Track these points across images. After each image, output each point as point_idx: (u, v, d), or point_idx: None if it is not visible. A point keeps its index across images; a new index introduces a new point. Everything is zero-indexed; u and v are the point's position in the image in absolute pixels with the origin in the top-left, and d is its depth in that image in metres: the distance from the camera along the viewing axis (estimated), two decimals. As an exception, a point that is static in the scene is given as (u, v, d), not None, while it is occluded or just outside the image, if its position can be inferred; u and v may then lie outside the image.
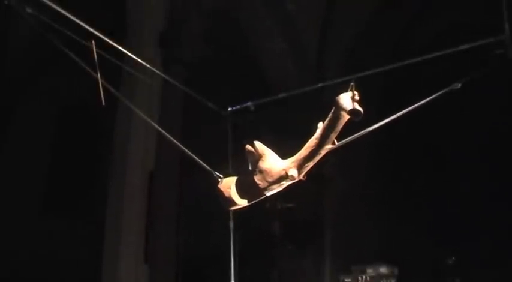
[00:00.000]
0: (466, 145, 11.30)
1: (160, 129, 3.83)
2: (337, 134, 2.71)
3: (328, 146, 2.75)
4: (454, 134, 11.29)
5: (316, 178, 9.79)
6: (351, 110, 2.53)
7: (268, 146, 2.98)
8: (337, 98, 2.59)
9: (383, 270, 8.11)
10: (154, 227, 8.43)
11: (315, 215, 10.54)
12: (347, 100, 2.55)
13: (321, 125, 2.71)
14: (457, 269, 8.43)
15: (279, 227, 9.56)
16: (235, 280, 4.13)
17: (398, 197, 11.03)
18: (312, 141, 2.75)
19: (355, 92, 2.55)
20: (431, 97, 3.02)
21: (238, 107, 3.90)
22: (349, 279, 8.26)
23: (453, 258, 8.53)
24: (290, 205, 8.96)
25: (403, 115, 3.01)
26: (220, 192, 3.08)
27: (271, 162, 2.87)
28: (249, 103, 3.85)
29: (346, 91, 2.58)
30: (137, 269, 8.28)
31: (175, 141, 3.57)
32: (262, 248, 9.77)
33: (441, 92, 3.02)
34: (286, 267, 10.06)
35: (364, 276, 8.09)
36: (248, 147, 2.91)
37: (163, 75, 5.45)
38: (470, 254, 9.30)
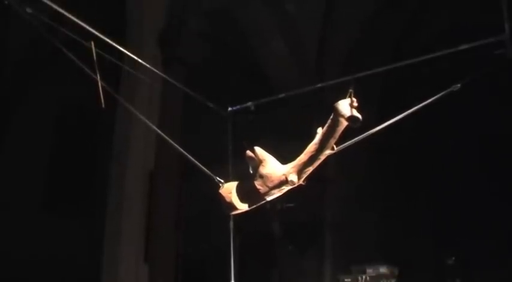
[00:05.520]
0: (466, 145, 11.29)
1: (164, 135, 3.83)
2: (336, 139, 2.74)
3: (327, 152, 2.78)
4: (454, 134, 11.28)
5: (317, 179, 9.77)
6: (349, 116, 2.57)
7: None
8: (335, 104, 2.61)
9: (383, 270, 8.09)
10: (154, 226, 8.42)
11: (315, 215, 10.53)
12: (346, 107, 2.58)
13: (320, 131, 2.73)
14: (457, 269, 8.42)
15: (279, 227, 9.56)
16: (235, 280, 4.13)
17: (399, 197, 11.02)
18: (311, 147, 2.78)
19: (354, 99, 2.56)
20: (430, 99, 3.02)
21: (238, 107, 3.90)
22: (349, 279, 8.24)
23: (453, 258, 8.52)
24: (290, 205, 8.96)
25: (403, 116, 3.01)
26: (221, 197, 3.10)
27: (272, 167, 2.91)
28: (249, 103, 3.85)
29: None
30: (137, 269, 8.27)
31: (178, 147, 3.58)
32: (262, 248, 9.77)
33: (441, 94, 3.02)
34: (286, 267, 10.06)
35: (364, 276, 8.07)
36: (248, 152, 2.93)
37: (163, 75, 5.44)
38: (470, 254, 9.30)
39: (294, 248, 10.18)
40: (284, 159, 2.96)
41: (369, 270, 8.12)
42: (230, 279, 4.11)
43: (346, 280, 8.29)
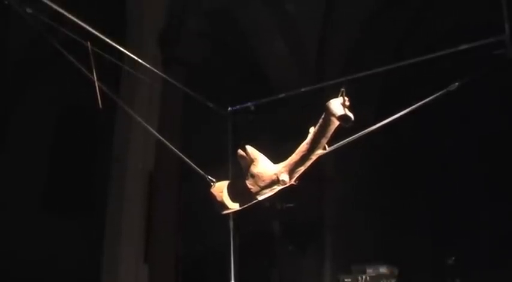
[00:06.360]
0: (465, 145, 11.29)
1: (156, 133, 3.83)
2: (327, 139, 2.71)
3: (319, 151, 2.74)
4: (453, 133, 11.28)
5: (316, 178, 9.79)
6: (341, 115, 2.54)
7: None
8: (327, 103, 2.59)
9: (383, 270, 8.08)
10: (154, 227, 8.42)
11: (315, 215, 10.53)
12: (337, 106, 2.55)
13: (312, 130, 2.71)
14: (457, 269, 8.41)
15: (279, 227, 9.55)
16: (235, 280, 4.13)
17: (399, 196, 11.02)
18: (303, 146, 2.75)
19: (346, 98, 2.55)
20: (427, 99, 3.01)
21: (238, 107, 3.90)
22: (349, 279, 8.23)
23: (453, 258, 8.50)
24: (290, 205, 8.95)
25: (401, 116, 3.01)
26: (213, 196, 3.10)
27: (263, 166, 2.88)
28: (249, 103, 3.85)
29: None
30: (137, 269, 8.28)
31: (171, 146, 3.57)
32: (262, 248, 9.76)
33: (437, 94, 3.01)
34: (286, 267, 10.05)
35: (364, 276, 8.06)
36: (240, 152, 2.92)
37: (163, 75, 5.44)
38: (470, 254, 9.29)
39: (294, 247, 10.18)
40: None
41: (369, 270, 8.10)
42: (230, 279, 4.11)
43: (346, 280, 8.27)
